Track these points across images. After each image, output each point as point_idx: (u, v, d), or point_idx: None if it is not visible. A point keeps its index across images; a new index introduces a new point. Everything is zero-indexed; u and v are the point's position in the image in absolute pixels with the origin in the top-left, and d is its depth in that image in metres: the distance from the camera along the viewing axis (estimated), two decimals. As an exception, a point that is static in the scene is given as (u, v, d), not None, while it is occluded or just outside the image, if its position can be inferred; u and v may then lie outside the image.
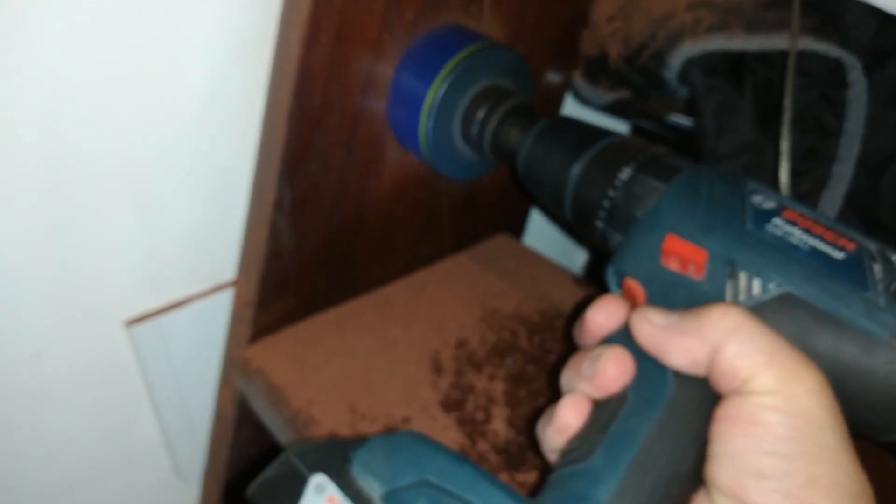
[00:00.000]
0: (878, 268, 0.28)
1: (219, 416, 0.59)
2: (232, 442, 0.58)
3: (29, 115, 0.42)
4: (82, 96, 0.43)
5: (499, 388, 0.51)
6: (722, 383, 0.27)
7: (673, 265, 0.31)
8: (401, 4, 0.44)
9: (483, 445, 0.47)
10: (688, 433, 0.28)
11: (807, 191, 0.47)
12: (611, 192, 0.36)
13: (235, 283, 0.57)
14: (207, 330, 0.59)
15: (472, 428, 0.48)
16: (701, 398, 0.28)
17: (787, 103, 0.43)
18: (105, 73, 0.43)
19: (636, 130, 0.72)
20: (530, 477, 0.45)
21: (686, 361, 0.28)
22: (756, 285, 0.29)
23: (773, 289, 0.28)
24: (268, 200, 0.46)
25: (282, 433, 0.48)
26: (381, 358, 0.52)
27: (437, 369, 0.52)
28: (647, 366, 0.30)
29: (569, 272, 0.64)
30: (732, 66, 0.48)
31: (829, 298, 0.27)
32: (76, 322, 0.52)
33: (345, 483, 0.29)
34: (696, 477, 0.28)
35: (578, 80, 0.59)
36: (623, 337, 0.31)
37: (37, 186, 0.45)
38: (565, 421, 0.31)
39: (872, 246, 0.29)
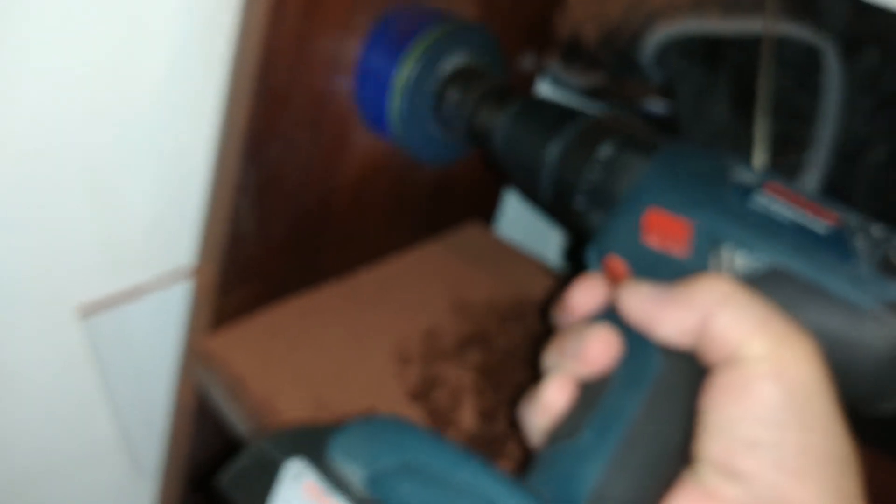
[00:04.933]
0: (860, 239, 0.28)
1: (178, 409, 0.57)
2: (192, 435, 0.56)
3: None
4: (32, 74, 0.41)
5: (467, 377, 0.50)
6: (712, 353, 0.27)
7: (656, 240, 0.31)
8: (370, -21, 0.42)
9: (451, 435, 0.46)
10: (676, 409, 0.27)
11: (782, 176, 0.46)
12: (591, 172, 0.36)
13: (196, 270, 0.55)
14: (166, 319, 0.57)
15: (440, 418, 0.47)
16: (689, 373, 0.28)
17: (762, 88, 0.42)
18: (55, 50, 0.41)
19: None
20: (501, 466, 0.44)
21: (675, 332, 0.28)
22: (740, 259, 0.28)
23: (758, 262, 0.28)
24: (230, 183, 0.44)
25: (243, 425, 0.47)
26: (347, 347, 0.51)
27: (405, 359, 0.50)
28: (634, 342, 0.29)
29: (539, 261, 0.63)
30: (709, 50, 0.47)
31: (814, 270, 0.27)
32: (29, 310, 0.49)
33: (323, 468, 0.27)
34: (683, 454, 0.27)
35: (553, 62, 0.58)
36: (606, 315, 0.31)
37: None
38: (550, 400, 0.30)
39: (853, 218, 0.29)
